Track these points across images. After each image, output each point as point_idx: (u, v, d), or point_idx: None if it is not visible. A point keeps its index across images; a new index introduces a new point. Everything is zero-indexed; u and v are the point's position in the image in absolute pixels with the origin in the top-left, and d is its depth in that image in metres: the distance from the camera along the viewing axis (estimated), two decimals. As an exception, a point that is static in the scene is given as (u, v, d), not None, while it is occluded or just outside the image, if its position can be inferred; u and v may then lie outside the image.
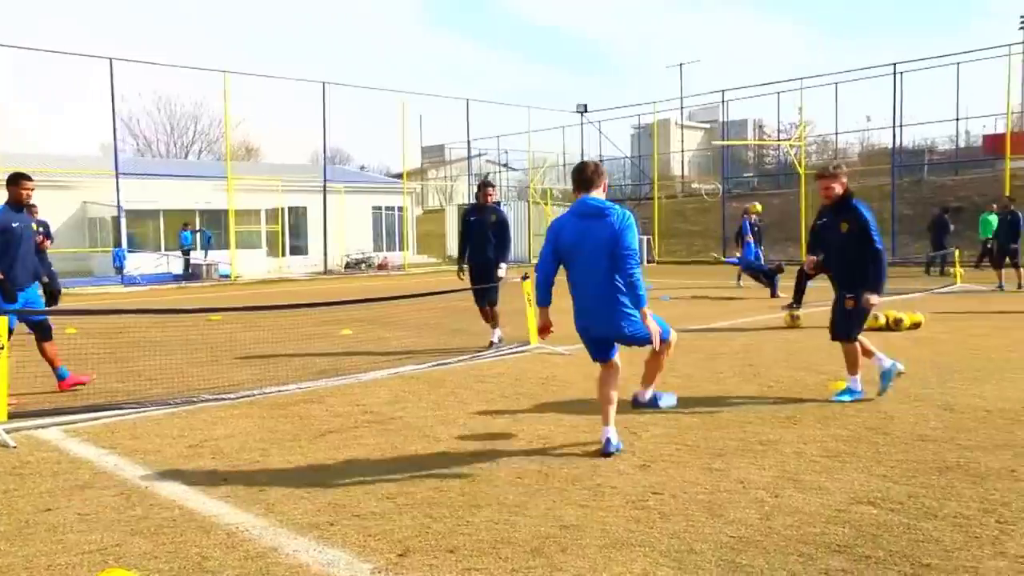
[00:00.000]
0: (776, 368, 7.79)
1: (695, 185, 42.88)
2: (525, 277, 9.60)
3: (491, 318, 9.55)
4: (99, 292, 22.34)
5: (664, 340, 5.06)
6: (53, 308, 7.31)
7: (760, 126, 46.64)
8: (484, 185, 9.84)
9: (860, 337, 6.40)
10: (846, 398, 6.33)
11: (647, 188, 39.08)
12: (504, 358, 8.80)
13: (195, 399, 6.77)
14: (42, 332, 7.19)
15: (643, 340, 4.96)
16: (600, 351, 5.11)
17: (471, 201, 39.03)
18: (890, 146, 32.51)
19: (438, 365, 8.38)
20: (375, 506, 4.12)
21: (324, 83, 28.64)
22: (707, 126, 49.40)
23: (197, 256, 27.45)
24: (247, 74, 32.36)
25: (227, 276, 26.37)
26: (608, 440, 4.92)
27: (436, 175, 57.64)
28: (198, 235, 28.02)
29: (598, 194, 4.93)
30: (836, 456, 4.84)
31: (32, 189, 7.17)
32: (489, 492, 4.31)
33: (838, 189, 6.27)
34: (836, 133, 38.12)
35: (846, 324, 6.34)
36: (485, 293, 9.55)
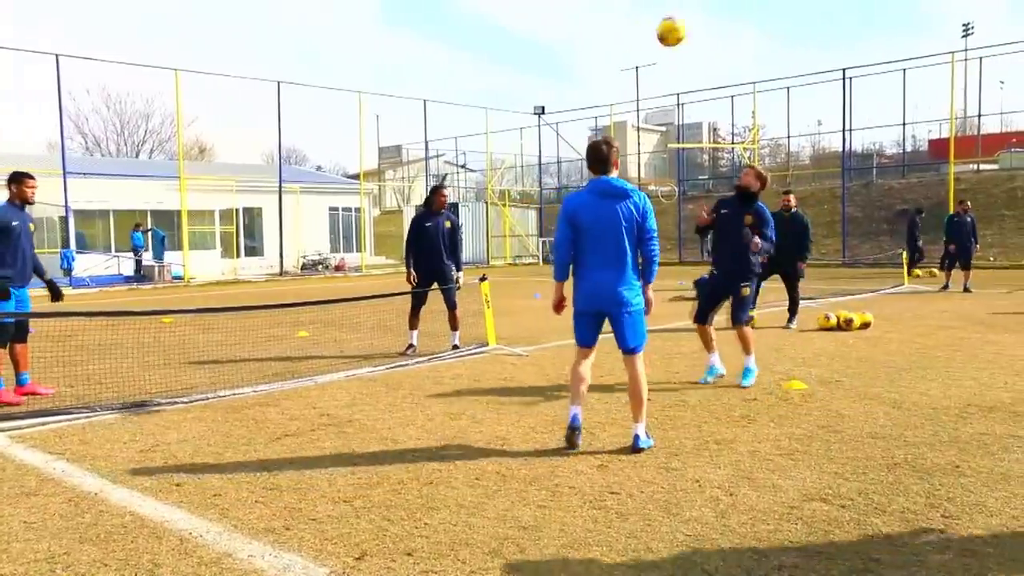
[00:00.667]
0: (731, 368, 7.89)
1: (651, 187, 43.33)
2: (483, 279, 9.61)
3: (451, 320, 9.48)
4: (47, 294, 21.71)
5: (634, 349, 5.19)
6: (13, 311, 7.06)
7: (714, 129, 47.32)
8: (437, 189, 9.55)
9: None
10: (748, 382, 7.00)
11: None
12: (463, 359, 8.79)
13: (147, 403, 6.63)
14: (20, 333, 7.05)
15: (638, 318, 5.15)
16: (593, 332, 5.22)
17: (429, 202, 38.85)
18: (840, 149, 33.25)
19: (396, 367, 8.33)
20: (331, 510, 4.09)
21: (279, 82, 28.33)
22: (663, 129, 49.97)
23: (149, 257, 26.91)
24: (200, 72, 31.90)
25: (180, 278, 25.90)
26: (575, 416, 5.09)
27: (393, 176, 57.32)
28: (150, 235, 27.46)
29: (615, 174, 5.09)
30: (789, 454, 4.93)
31: (36, 187, 7.19)
32: (447, 494, 4.30)
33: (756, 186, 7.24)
34: (788, 136, 38.86)
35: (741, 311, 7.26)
36: (444, 296, 9.47)
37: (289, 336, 10.91)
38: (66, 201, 24.12)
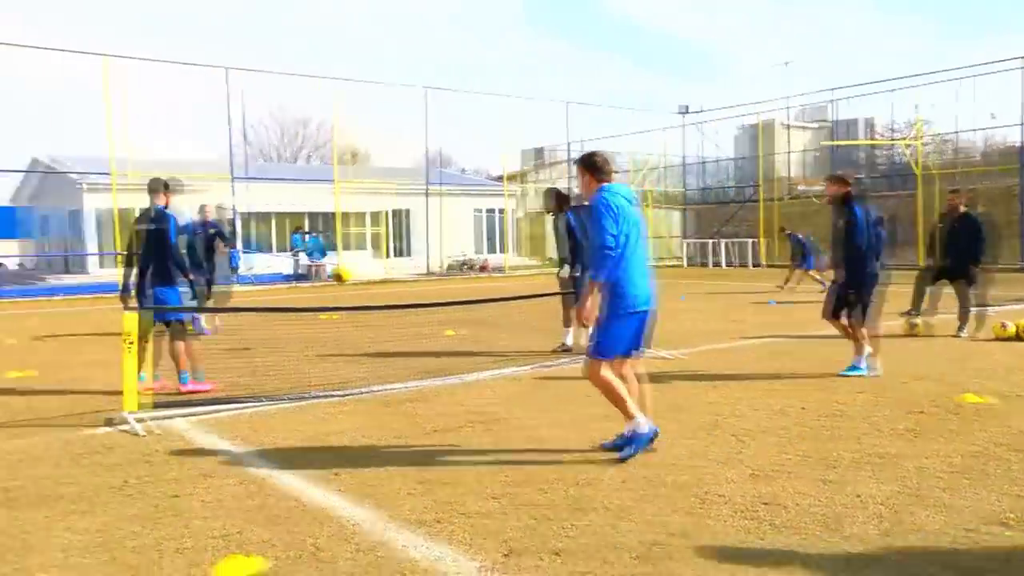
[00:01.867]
0: (894, 378, 7.44)
1: (801, 187, 41.51)
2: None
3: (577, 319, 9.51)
4: (216, 291, 23.40)
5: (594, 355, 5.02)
6: (182, 306, 7.65)
7: (872, 125, 44.75)
8: (546, 191, 9.93)
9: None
10: (851, 373, 7.42)
11: (751, 191, 38.09)
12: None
13: (308, 395, 7.02)
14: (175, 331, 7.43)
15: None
16: (641, 336, 5.13)
17: (571, 203, 38.92)
18: (1018, 144, 30.59)
19: (543, 367, 8.40)
20: (481, 505, 4.17)
21: (426, 88, 29.22)
22: (815, 126, 47.77)
23: (306, 258, 28.45)
24: (353, 80, 33.42)
25: (335, 277, 27.22)
26: (645, 423, 4.98)
27: (537, 177, 57.86)
28: (307, 238, 28.98)
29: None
30: (963, 472, 4.58)
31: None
32: (594, 496, 4.29)
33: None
34: (956, 132, 36.14)
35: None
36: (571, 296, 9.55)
37: (437, 335, 11.23)
38: (235, 204, 25.91)
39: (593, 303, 4.93)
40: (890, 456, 4.94)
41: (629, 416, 4.92)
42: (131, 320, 6.09)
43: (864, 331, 7.57)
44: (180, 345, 7.34)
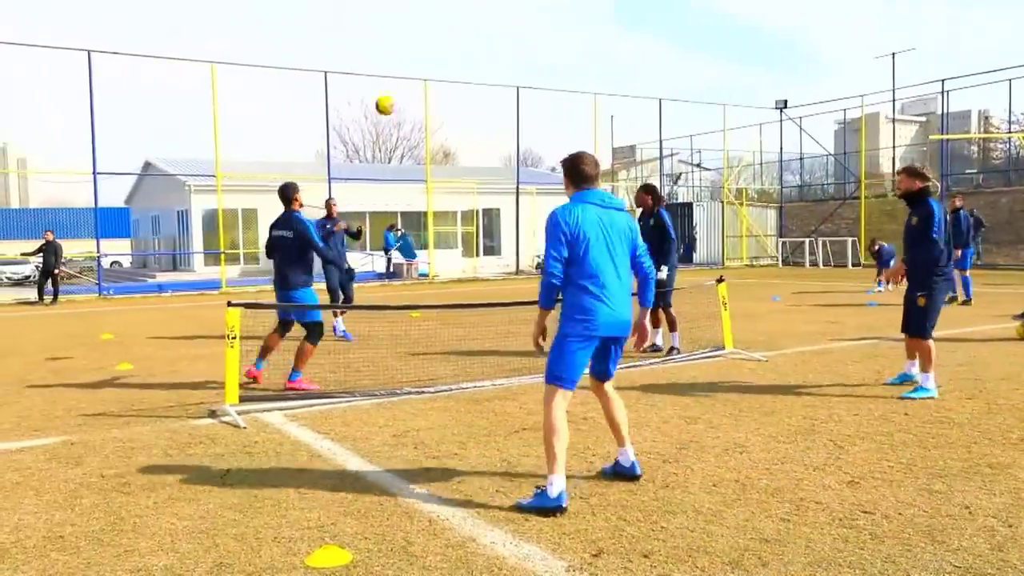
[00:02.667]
0: (1006, 384, 7.04)
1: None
2: (720, 280, 9.32)
3: (668, 322, 9.28)
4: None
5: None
6: (277, 303, 7.90)
7: (986, 117, 42.41)
8: (638, 189, 9.48)
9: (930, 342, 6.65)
10: (916, 396, 6.52)
11: (852, 187, 36.69)
12: (697, 362, 8.59)
13: (398, 391, 7.15)
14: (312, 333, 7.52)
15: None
16: (609, 363, 4.51)
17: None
18: None
19: (629, 367, 8.31)
20: (569, 505, 4.15)
21: (518, 87, 29.33)
22: (922, 119, 45.66)
23: (398, 257, 29.03)
24: (445, 81, 33.90)
25: (425, 275, 27.68)
26: (562, 493, 4.07)
27: (626, 176, 57.32)
28: (399, 237, 29.54)
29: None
30: (1083, 486, 4.29)
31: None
32: (684, 499, 4.22)
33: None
34: (1080, 122, 33.87)
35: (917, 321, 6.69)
36: (657, 297, 9.24)
37: (524, 332, 11.24)
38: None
39: (537, 331, 4.36)
40: (1003, 466, 4.67)
41: (551, 471, 4.10)
42: (233, 316, 6.34)
43: (931, 344, 6.64)
44: (309, 346, 7.46)
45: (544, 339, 4.40)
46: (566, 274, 4.25)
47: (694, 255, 36.16)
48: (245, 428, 5.92)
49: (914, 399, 6.47)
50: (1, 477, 4.84)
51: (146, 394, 7.40)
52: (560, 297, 4.33)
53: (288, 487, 4.53)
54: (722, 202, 35.73)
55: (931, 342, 6.64)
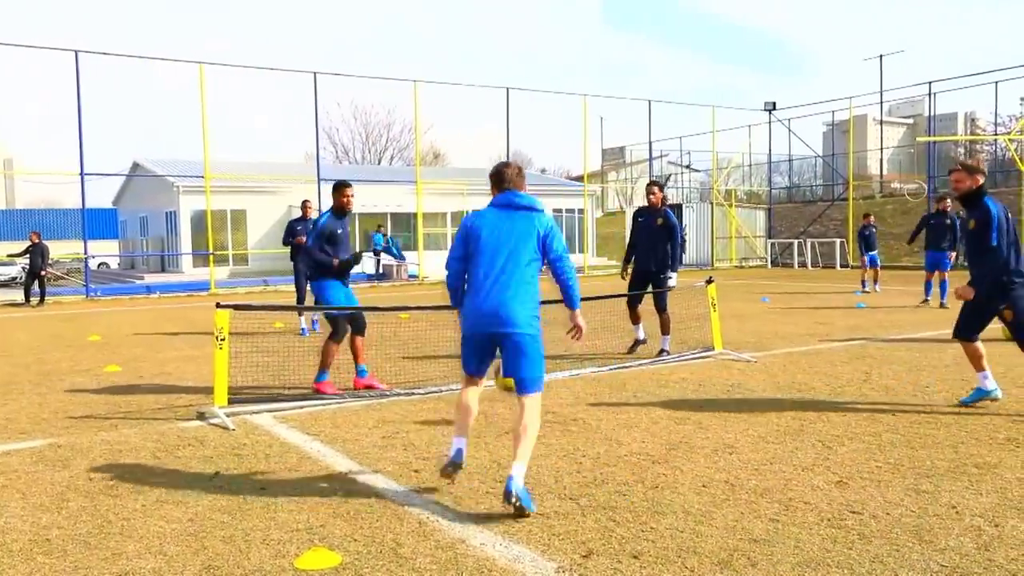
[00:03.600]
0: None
1: (895, 185, 39.98)
2: (709, 281, 9.35)
3: (662, 324, 9.26)
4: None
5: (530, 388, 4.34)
6: (270, 304, 7.90)
7: (972, 119, 42.75)
8: (649, 185, 9.32)
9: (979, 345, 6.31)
10: (975, 398, 6.26)
11: (841, 188, 36.89)
12: (687, 363, 8.61)
13: (389, 393, 7.14)
14: (358, 327, 7.46)
15: (529, 348, 4.34)
16: (484, 357, 4.50)
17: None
18: None
19: (619, 368, 8.33)
20: (558, 506, 4.16)
21: (507, 88, 29.33)
22: (909, 121, 45.96)
23: (387, 258, 28.97)
24: (435, 82, 33.83)
25: (415, 276, 27.65)
26: (459, 450, 4.31)
27: (616, 177, 57.45)
28: (387, 239, 29.50)
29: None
30: (1068, 485, 4.32)
31: (351, 196, 7.58)
32: (673, 499, 4.23)
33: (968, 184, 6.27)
34: (1065, 125, 34.15)
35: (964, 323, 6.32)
36: (655, 298, 9.26)
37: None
38: (320, 205, 26.59)
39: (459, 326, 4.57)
40: (989, 466, 4.71)
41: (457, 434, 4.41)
42: (223, 318, 6.31)
43: (980, 345, 6.29)
44: (358, 340, 7.42)
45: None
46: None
47: (684, 256, 36.28)
48: (234, 430, 5.90)
49: (971, 403, 6.21)
50: (-13, 480, 4.80)
51: (134, 396, 7.36)
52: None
53: (277, 489, 4.52)
54: (711, 203, 35.86)
55: (979, 343, 6.26)
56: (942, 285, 14.22)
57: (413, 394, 7.09)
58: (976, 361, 6.28)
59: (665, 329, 9.22)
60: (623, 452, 5.17)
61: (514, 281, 4.35)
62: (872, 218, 18.41)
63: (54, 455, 5.33)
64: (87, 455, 5.31)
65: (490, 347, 4.44)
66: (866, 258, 17.81)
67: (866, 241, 17.74)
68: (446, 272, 4.58)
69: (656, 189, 9.22)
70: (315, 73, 25.60)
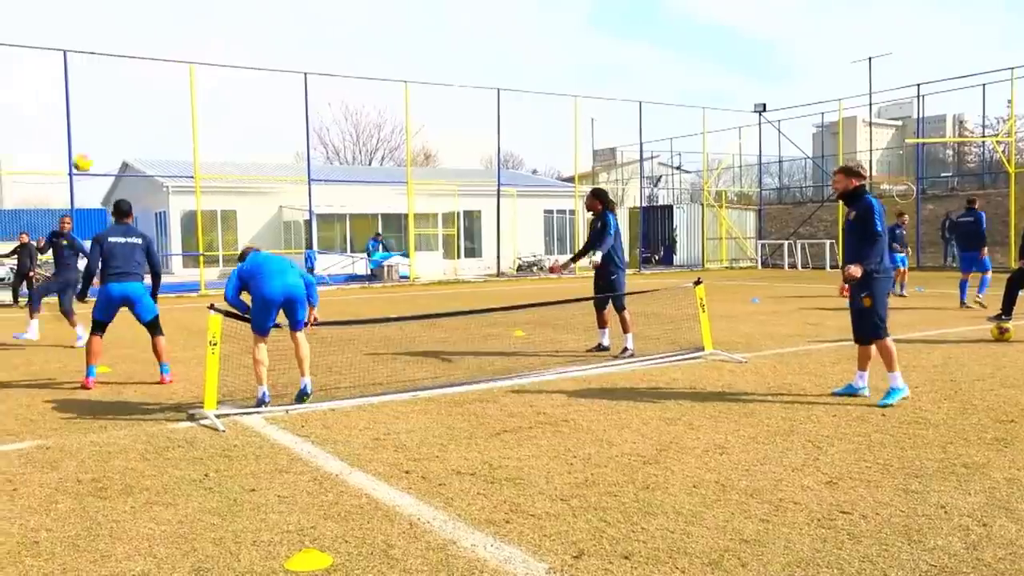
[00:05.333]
0: (981, 384, 7.14)
1: (884, 186, 40.18)
2: (698, 282, 9.37)
3: (621, 323, 9.42)
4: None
5: None
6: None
7: (960, 121, 43.01)
8: (588, 195, 9.90)
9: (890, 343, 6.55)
10: (892, 400, 6.38)
11: (831, 190, 37.02)
12: (678, 364, 8.63)
13: (379, 394, 7.12)
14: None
15: None
16: (291, 317, 6.89)
17: (642, 204, 38.44)
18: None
19: (610, 369, 8.34)
20: (549, 507, 4.16)
21: (498, 89, 29.33)
22: (898, 123, 46.20)
23: (394, 259, 28.89)
24: (426, 83, 33.80)
25: (406, 277, 27.61)
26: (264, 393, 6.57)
27: (607, 178, 57.50)
28: (381, 247, 29.39)
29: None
30: (1056, 485, 4.35)
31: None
32: (664, 500, 4.23)
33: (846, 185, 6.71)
34: (1052, 127, 34.36)
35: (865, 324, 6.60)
36: (612, 299, 9.50)
37: (506, 335, 11.26)
38: (310, 206, 26.53)
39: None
40: (977, 466, 4.73)
41: (258, 383, 6.62)
42: (215, 322, 6.29)
43: (889, 342, 6.57)
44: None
45: None
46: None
47: (675, 257, 36.34)
48: (224, 432, 5.88)
49: (892, 403, 6.34)
50: (-25, 482, 4.76)
51: (124, 397, 7.32)
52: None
53: (267, 491, 4.50)
54: (702, 204, 35.96)
55: (889, 339, 6.55)
56: (962, 285, 14.32)
57: (404, 395, 7.08)
58: (866, 360, 6.72)
59: (625, 327, 9.37)
60: (614, 453, 5.18)
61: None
62: (905, 217, 17.43)
63: (43, 457, 5.30)
64: (76, 456, 5.28)
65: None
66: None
67: (898, 241, 16.37)
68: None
69: (592, 198, 9.75)
70: (306, 73, 25.55)
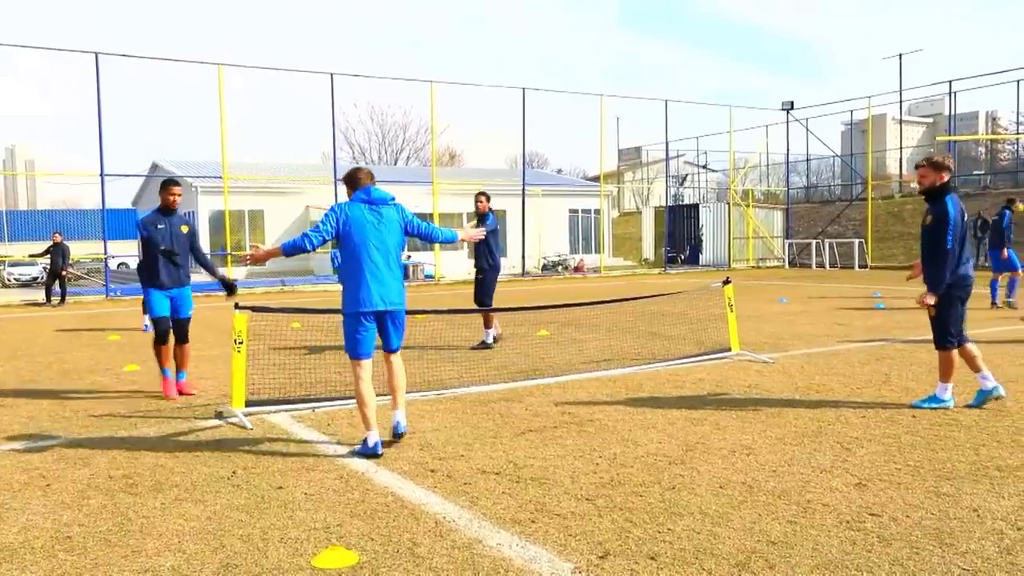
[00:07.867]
0: (1014, 386, 7.00)
1: (915, 184, 39.65)
2: (727, 282, 9.30)
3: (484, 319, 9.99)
4: (319, 290, 24.23)
5: None
6: (280, 306, 7.95)
7: (994, 118, 42.30)
8: (477, 195, 10.54)
9: (971, 347, 6.26)
10: (926, 405, 6.24)
11: (859, 188, 36.60)
12: (703, 364, 8.57)
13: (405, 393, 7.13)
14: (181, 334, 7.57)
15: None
16: (389, 335, 5.57)
17: (668, 203, 38.25)
18: None
19: (635, 369, 8.31)
20: (575, 506, 4.15)
21: (524, 88, 29.32)
22: (929, 120, 45.56)
23: (405, 258, 29.05)
24: (451, 83, 33.89)
25: (431, 276, 27.71)
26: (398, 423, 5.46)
27: (633, 177, 57.28)
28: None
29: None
30: (1092, 489, 4.27)
31: (179, 195, 7.58)
32: (690, 500, 4.21)
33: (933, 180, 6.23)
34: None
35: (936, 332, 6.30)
36: (474, 292, 10.33)
37: (530, 335, 11.26)
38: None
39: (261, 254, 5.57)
40: (1011, 469, 4.65)
41: (366, 427, 5.26)
42: (241, 320, 6.34)
43: (954, 355, 6.22)
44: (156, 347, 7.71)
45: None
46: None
47: (701, 257, 36.12)
48: (251, 429, 5.93)
49: (924, 408, 6.19)
50: (9, 477, 4.86)
51: (153, 395, 7.42)
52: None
53: (295, 488, 4.54)
54: (728, 203, 35.69)
55: (954, 352, 6.20)
56: (1011, 283, 13.84)
57: (429, 394, 7.10)
58: (971, 363, 6.27)
59: (487, 323, 9.92)
60: (640, 453, 5.16)
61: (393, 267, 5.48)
62: (1019, 205, 14.41)
63: (75, 453, 5.38)
64: (107, 453, 5.36)
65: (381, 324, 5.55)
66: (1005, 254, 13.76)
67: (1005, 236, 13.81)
68: (308, 237, 5.48)
69: (483, 198, 10.41)
70: (332, 74, 25.74)
